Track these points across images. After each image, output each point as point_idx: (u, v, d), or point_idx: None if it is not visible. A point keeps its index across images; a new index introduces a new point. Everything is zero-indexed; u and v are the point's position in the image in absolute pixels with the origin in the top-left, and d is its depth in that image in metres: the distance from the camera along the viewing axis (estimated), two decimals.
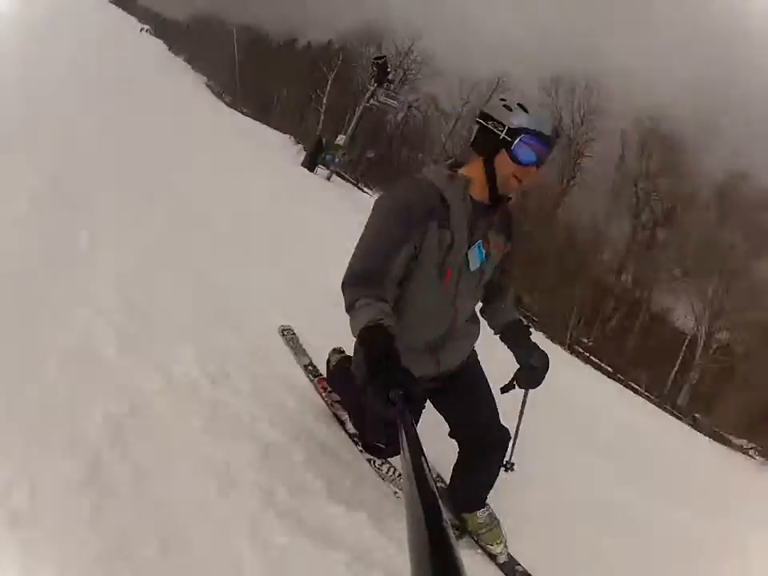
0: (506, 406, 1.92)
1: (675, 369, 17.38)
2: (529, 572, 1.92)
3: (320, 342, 2.63)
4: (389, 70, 14.55)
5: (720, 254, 17.39)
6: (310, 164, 13.07)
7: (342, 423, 2.25)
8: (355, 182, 16.37)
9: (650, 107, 19.26)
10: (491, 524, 1.96)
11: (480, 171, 1.69)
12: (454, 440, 1.96)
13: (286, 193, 8.31)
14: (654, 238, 19.47)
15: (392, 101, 14.50)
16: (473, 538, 1.97)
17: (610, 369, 14.84)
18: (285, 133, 17.00)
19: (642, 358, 17.11)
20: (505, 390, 1.91)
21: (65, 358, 1.70)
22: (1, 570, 1.07)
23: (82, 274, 2.33)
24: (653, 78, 19.48)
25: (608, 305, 19.21)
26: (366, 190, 16.25)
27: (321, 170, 13.54)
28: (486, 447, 1.91)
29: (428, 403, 1.95)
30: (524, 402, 1.98)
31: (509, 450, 1.93)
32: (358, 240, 1.68)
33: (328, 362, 2.44)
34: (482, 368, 2.03)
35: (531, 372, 1.87)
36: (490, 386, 1.98)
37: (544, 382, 1.92)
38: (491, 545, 1.95)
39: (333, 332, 2.40)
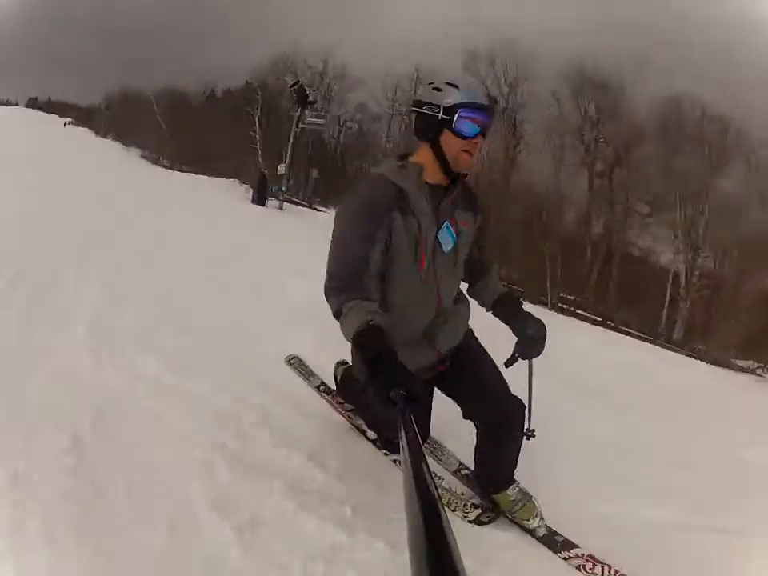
0: (510, 377, 1.99)
1: (666, 305, 17.39)
2: (571, 540, 1.92)
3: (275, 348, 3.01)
4: (307, 92, 15.21)
5: (679, 180, 17.53)
6: (260, 199, 13.72)
7: (363, 432, 2.34)
8: (308, 204, 16.90)
9: (576, 58, 19.49)
10: (523, 499, 1.97)
11: (429, 155, 1.77)
12: (469, 422, 2.00)
13: (242, 228, 8.97)
14: (612, 183, 19.53)
15: (319, 120, 15.18)
16: (507, 516, 1.99)
17: (597, 318, 14.96)
18: (229, 178, 17.37)
19: (631, 301, 17.18)
20: (508, 364, 1.97)
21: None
22: None
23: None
24: (571, 31, 20.10)
25: (584, 258, 19.22)
26: (320, 208, 16.76)
27: (272, 202, 14.11)
28: (502, 420, 1.92)
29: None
30: (530, 372, 2.03)
31: (526, 419, 1.97)
32: (329, 249, 1.76)
33: (335, 375, 2.53)
34: (480, 343, 2.08)
35: (530, 342, 1.93)
36: (493, 359, 2.04)
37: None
38: (527, 520, 1.95)
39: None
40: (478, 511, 1.98)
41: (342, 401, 2.49)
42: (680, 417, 3.97)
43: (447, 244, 1.82)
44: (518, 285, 15.46)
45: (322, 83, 22.81)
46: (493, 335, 2.06)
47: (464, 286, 2.09)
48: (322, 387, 2.64)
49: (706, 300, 16.95)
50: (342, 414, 2.45)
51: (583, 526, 2.00)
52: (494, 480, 2.02)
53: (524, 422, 1.94)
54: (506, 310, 2.01)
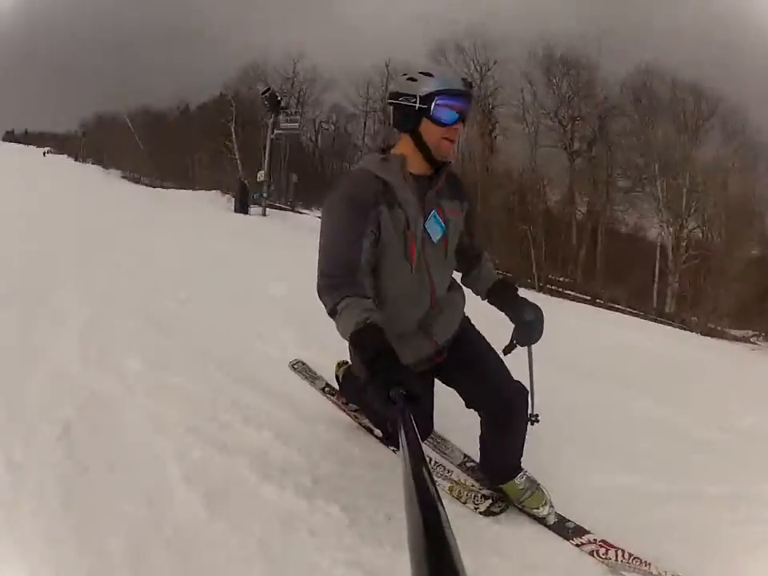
0: (509, 364, 1.98)
1: (656, 279, 17.26)
2: (582, 526, 1.89)
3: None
4: (279, 99, 15.39)
5: (657, 151, 17.50)
6: (242, 207, 13.91)
7: (371, 431, 2.35)
8: (290, 208, 17.05)
9: (544, 39, 19.40)
10: (531, 487, 1.94)
11: (410, 146, 1.77)
12: (471, 414, 1.98)
13: (226, 237, 9.14)
14: (592, 160, 19.42)
15: (293, 124, 15.34)
16: (517, 506, 1.96)
17: (586, 297, 14.90)
18: (210, 190, 17.46)
19: (620, 278, 16.88)
20: (507, 351, 1.98)
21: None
22: None
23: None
24: (537, 10, 20.17)
25: (569, 239, 19.22)
26: (302, 211, 16.89)
27: (255, 209, 14.27)
28: (504, 407, 1.89)
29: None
30: (530, 358, 2.01)
31: (529, 409, 1.94)
32: (319, 248, 1.75)
33: (336, 377, 2.55)
34: (478, 330, 2.06)
35: (527, 327, 1.92)
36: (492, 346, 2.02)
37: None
38: (536, 508, 1.92)
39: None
40: (489, 502, 1.96)
41: (346, 401, 2.50)
42: (674, 392, 3.89)
43: (436, 234, 1.82)
44: (503, 270, 15.50)
45: (294, 87, 22.90)
46: (489, 324, 2.06)
47: (458, 276, 2.09)
48: (327, 389, 2.66)
49: (695, 271, 16.74)
50: (349, 414, 2.47)
51: (593, 508, 1.99)
52: (500, 469, 2.00)
53: (527, 407, 1.92)
54: (501, 297, 2.00)
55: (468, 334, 2.02)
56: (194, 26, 25.73)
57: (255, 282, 5.06)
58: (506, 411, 1.89)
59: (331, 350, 2.74)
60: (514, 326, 1.94)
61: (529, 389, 1.95)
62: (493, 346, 2.02)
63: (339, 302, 1.59)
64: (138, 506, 1.72)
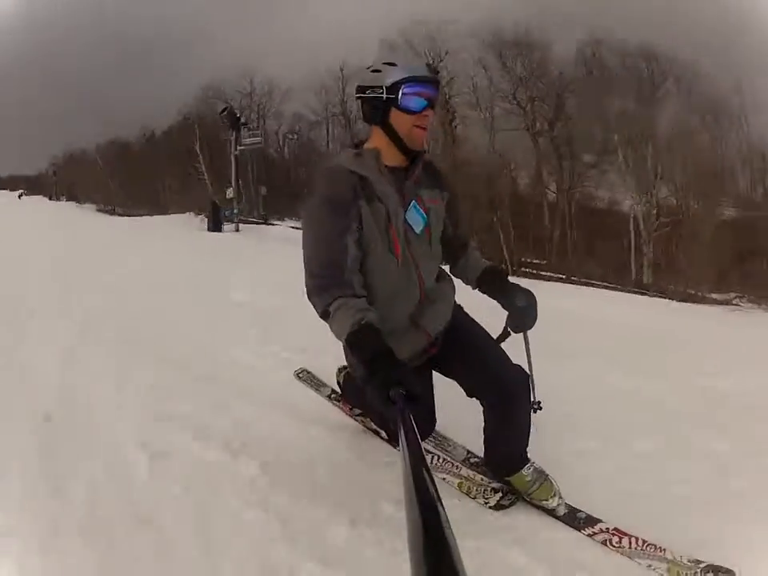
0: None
1: (633, 251, 17.14)
2: (593, 515, 1.83)
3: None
4: (238, 115, 15.78)
5: (617, 122, 17.53)
6: (215, 226, 14.19)
7: (378, 433, 2.32)
8: (263, 221, 17.39)
9: (490, 23, 19.48)
10: (539, 478, 1.87)
11: (383, 138, 1.74)
12: (472, 410, 1.92)
13: (201, 255, 9.50)
14: (554, 139, 19.47)
15: (255, 139, 15.74)
16: (525, 499, 1.90)
17: (561, 276, 14.90)
18: (183, 212, 17.67)
19: (597, 253, 16.96)
20: (500, 339, 1.94)
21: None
22: None
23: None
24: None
25: (542, 220, 19.33)
26: (275, 223, 17.22)
27: (229, 226, 14.65)
28: (506, 391, 1.83)
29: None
30: (527, 345, 1.94)
31: (531, 395, 1.88)
32: (303, 251, 1.73)
33: (338, 382, 2.52)
34: (471, 317, 2.02)
35: (521, 313, 1.87)
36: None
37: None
38: (545, 500, 1.85)
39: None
40: (499, 495, 1.91)
41: (351, 405, 2.47)
42: (664, 363, 3.87)
43: (418, 224, 1.79)
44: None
45: (253, 102, 23.00)
46: (484, 313, 2.01)
47: (446, 268, 2.08)
48: (333, 395, 2.65)
49: (667, 238, 16.69)
50: (355, 419, 2.45)
51: (603, 495, 1.95)
52: (506, 460, 1.92)
53: (529, 392, 1.86)
54: (492, 284, 1.96)
55: (461, 322, 1.98)
56: (147, 52, 25.91)
57: (223, 291, 5.46)
58: (507, 397, 1.83)
59: (287, 344, 3.48)
60: (506, 313, 1.92)
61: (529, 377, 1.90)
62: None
63: (331, 304, 1.59)
64: (96, 465, 2.07)
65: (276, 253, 9.80)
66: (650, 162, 17.13)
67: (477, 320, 2.01)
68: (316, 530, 1.74)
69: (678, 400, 3.07)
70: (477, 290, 2.02)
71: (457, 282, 2.02)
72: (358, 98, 1.74)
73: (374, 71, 1.69)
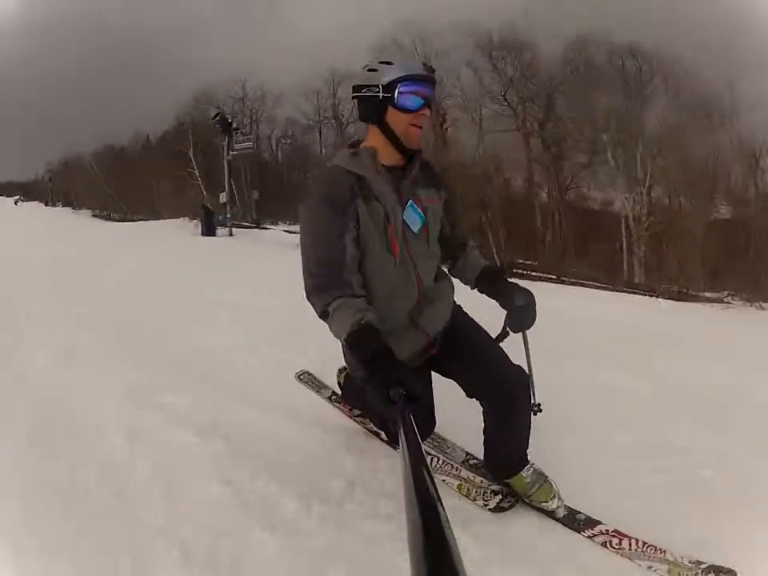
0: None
1: (624, 250, 17.12)
2: (592, 517, 1.81)
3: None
4: (230, 121, 15.93)
5: (604, 119, 17.54)
6: (209, 230, 14.28)
7: (378, 435, 2.31)
8: (255, 225, 17.54)
9: (482, 24, 19.46)
10: (539, 480, 1.85)
11: (379, 137, 1.73)
12: (470, 412, 1.91)
13: (195, 257, 9.77)
14: (545, 140, 19.53)
15: (247, 144, 15.93)
16: (525, 501, 1.89)
17: (552, 276, 14.29)
18: (178, 217, 17.84)
19: (590, 253, 16.88)
20: (499, 339, 1.91)
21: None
22: None
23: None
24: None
25: (533, 220, 19.33)
26: (268, 226, 17.34)
27: (221, 231, 14.83)
28: (506, 392, 1.81)
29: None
30: (526, 345, 1.92)
31: (531, 396, 1.86)
32: (301, 251, 1.73)
33: (338, 384, 2.51)
34: (470, 317, 2.00)
35: (519, 313, 1.85)
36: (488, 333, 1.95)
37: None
38: (545, 502, 1.84)
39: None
40: (499, 497, 1.91)
41: (350, 406, 2.48)
42: (650, 361, 3.88)
43: (415, 223, 1.78)
44: None
45: (246, 107, 23.28)
46: (482, 314, 2.00)
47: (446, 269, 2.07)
48: (333, 397, 2.65)
49: (658, 237, 16.50)
50: (356, 421, 2.45)
51: (603, 496, 1.94)
52: (506, 462, 1.91)
53: (529, 393, 1.85)
54: (490, 283, 1.95)
55: (461, 322, 1.96)
56: (142, 58, 26.18)
57: (215, 292, 5.72)
58: (507, 398, 1.82)
59: (262, 333, 3.79)
60: (505, 313, 1.90)
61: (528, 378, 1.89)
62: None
63: (330, 303, 1.59)
64: (78, 443, 2.33)
65: (266, 256, 10.13)
66: (639, 161, 17.08)
67: (476, 320, 2.00)
68: (270, 503, 1.88)
69: (671, 396, 3.07)
70: (476, 290, 2.01)
71: (456, 282, 2.01)
72: (355, 96, 1.73)
73: (370, 70, 1.69)
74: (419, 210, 1.79)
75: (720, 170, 17.63)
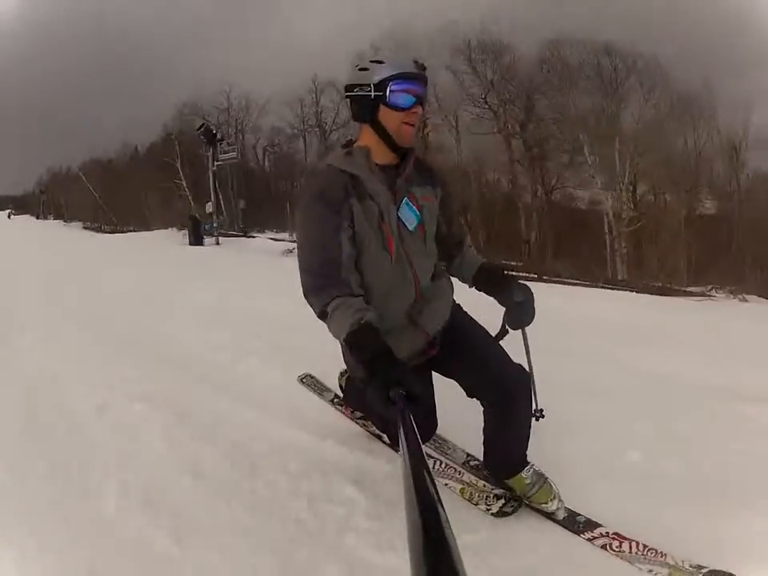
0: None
1: (608, 248, 17.14)
2: (592, 519, 1.79)
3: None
4: (214, 132, 16.15)
5: (581, 118, 17.73)
6: (196, 240, 14.43)
7: (380, 437, 2.30)
8: (242, 233, 17.63)
9: (457, 29, 19.71)
10: (539, 481, 1.83)
11: (372, 136, 1.72)
12: (471, 412, 1.89)
13: (182, 265, 10.03)
14: (526, 141, 19.67)
15: (231, 154, 16.19)
16: (525, 502, 1.86)
17: (534, 275, 14.88)
18: (166, 228, 18.05)
19: (577, 251, 16.84)
20: (498, 337, 1.88)
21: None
22: None
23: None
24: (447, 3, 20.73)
25: (516, 221, 19.43)
26: (254, 235, 17.42)
27: (209, 240, 15.05)
28: (505, 389, 1.79)
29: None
30: (526, 344, 1.89)
31: (533, 399, 1.84)
32: (298, 251, 1.73)
33: (340, 386, 2.51)
34: (470, 316, 1.97)
35: (518, 308, 1.82)
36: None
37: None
38: (545, 503, 1.81)
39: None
40: (501, 502, 1.88)
41: (352, 409, 2.47)
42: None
43: (411, 221, 1.76)
44: None
45: (231, 117, 23.58)
46: (481, 312, 1.97)
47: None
48: (335, 400, 2.65)
49: (639, 233, 16.62)
50: (358, 423, 2.44)
51: (604, 498, 1.91)
52: (506, 462, 1.89)
53: (530, 392, 1.83)
54: (488, 280, 1.93)
55: (460, 321, 1.94)
56: (128, 69, 26.36)
57: (191, 294, 6.04)
58: (508, 397, 1.79)
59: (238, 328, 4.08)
60: (504, 309, 1.88)
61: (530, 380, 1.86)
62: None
63: (329, 303, 1.58)
64: (63, 418, 2.69)
65: (252, 264, 10.35)
66: (617, 159, 17.15)
67: (476, 319, 1.97)
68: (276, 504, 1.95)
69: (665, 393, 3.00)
70: (474, 288, 1.98)
71: (454, 280, 1.99)
72: (347, 96, 1.72)
73: (361, 69, 1.68)
74: (415, 208, 1.78)
75: (702, 166, 17.78)
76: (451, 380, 1.92)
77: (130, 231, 20.47)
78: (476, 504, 1.91)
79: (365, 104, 1.68)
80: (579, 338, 4.26)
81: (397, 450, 2.05)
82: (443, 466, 2.08)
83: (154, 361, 3.51)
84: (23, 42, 25.57)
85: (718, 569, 1.55)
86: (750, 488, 1.99)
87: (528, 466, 1.86)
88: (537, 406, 1.84)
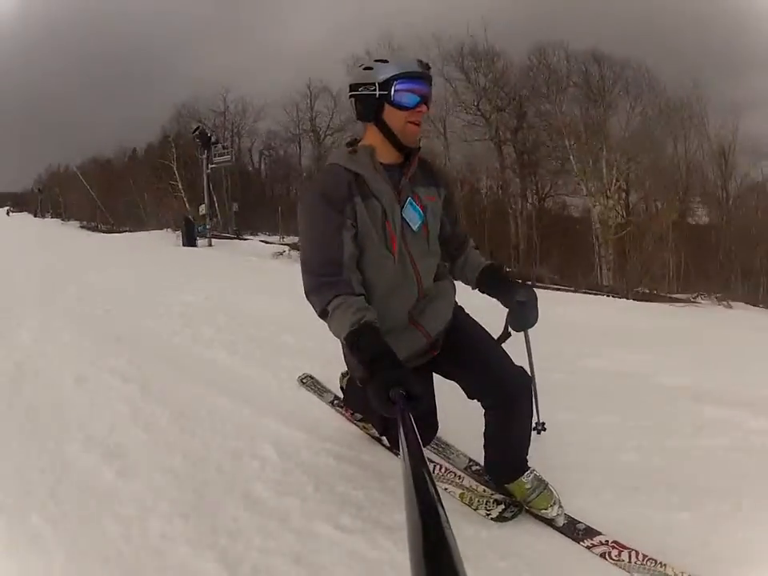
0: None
1: (597, 254, 17.46)
2: (592, 527, 1.75)
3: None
4: (209, 135, 16.29)
5: (566, 125, 18.09)
6: (189, 241, 14.45)
7: (379, 440, 2.26)
8: (235, 236, 17.75)
9: (453, 36, 20.14)
10: (539, 486, 1.79)
11: (377, 135, 1.68)
12: (472, 417, 1.85)
13: (174, 265, 10.07)
14: (517, 147, 19.99)
15: (225, 157, 16.34)
16: (525, 507, 1.83)
17: (518, 281, 14.65)
18: (161, 228, 18.13)
19: (566, 257, 17.39)
20: (501, 340, 1.85)
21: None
22: None
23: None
24: (438, 9, 20.80)
25: (506, 227, 19.72)
26: (247, 237, 17.44)
27: (202, 241, 15.19)
28: (506, 392, 1.75)
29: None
30: (528, 347, 1.87)
31: (534, 408, 1.82)
32: (300, 249, 1.72)
33: (341, 387, 2.46)
34: (473, 319, 1.93)
35: (521, 310, 1.79)
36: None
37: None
38: (545, 509, 1.77)
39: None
40: (501, 507, 1.85)
41: (352, 410, 2.44)
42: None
43: (414, 221, 1.73)
44: None
45: (227, 120, 23.88)
46: (483, 315, 1.94)
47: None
48: (335, 401, 2.62)
49: (626, 240, 16.69)
50: (357, 425, 2.41)
51: (604, 506, 1.87)
52: (506, 467, 1.85)
53: (531, 395, 1.80)
54: (491, 281, 1.89)
55: (462, 323, 1.90)
56: (128, 71, 26.53)
57: (179, 293, 5.93)
58: (509, 400, 1.76)
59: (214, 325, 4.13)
60: (507, 311, 1.84)
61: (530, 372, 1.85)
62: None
63: (330, 302, 1.55)
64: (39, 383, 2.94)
65: (241, 265, 10.44)
66: (604, 166, 17.43)
67: (478, 322, 1.94)
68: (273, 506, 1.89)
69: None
70: (477, 290, 1.95)
71: (458, 285, 1.96)
72: (351, 95, 1.69)
73: (365, 69, 1.66)
74: (418, 207, 1.75)
75: (692, 173, 18.08)
76: (453, 383, 1.88)
77: (126, 231, 20.59)
78: (476, 509, 1.88)
79: (369, 103, 1.65)
80: (554, 340, 4.26)
81: (396, 453, 2.08)
82: (443, 470, 2.05)
83: (139, 351, 3.61)
84: (23, 42, 25.73)
85: None
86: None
87: (528, 471, 1.82)
88: (539, 418, 1.84)
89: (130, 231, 20.25)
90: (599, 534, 1.72)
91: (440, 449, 2.20)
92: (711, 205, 17.86)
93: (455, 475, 2.03)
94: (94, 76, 27.44)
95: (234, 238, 16.96)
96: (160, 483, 1.99)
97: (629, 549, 1.66)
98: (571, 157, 18.04)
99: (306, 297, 1.64)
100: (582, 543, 1.71)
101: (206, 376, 3.07)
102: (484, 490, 1.93)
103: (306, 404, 2.67)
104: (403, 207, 1.70)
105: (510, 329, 1.84)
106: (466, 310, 1.96)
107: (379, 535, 1.70)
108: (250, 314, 4.82)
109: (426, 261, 1.79)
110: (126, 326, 4.40)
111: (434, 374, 1.91)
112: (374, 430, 2.22)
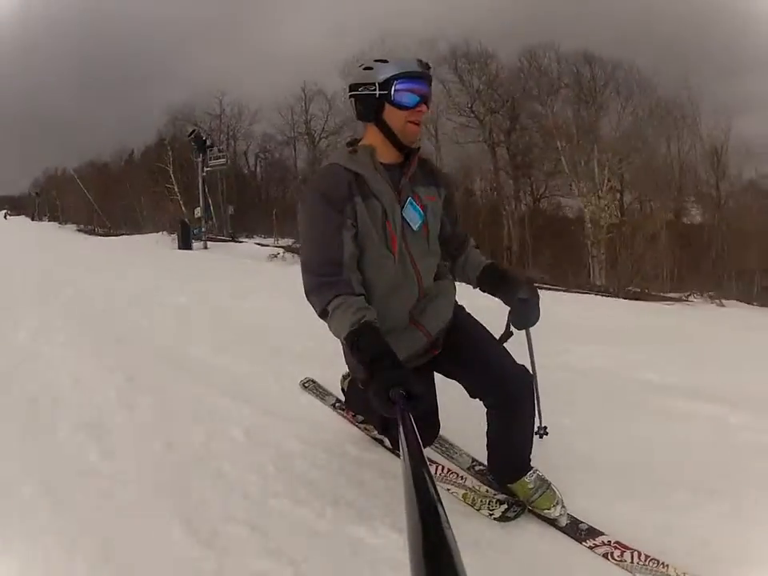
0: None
1: (590, 255, 17.43)
2: (595, 527, 1.73)
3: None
4: (204, 138, 16.25)
5: (558, 126, 18.12)
6: (185, 244, 14.44)
7: (381, 442, 2.24)
8: (231, 238, 17.72)
9: (448, 38, 20.28)
10: (542, 486, 1.78)
11: (377, 135, 1.68)
12: (475, 417, 1.84)
13: (168, 267, 10.03)
14: (511, 149, 19.97)
15: (220, 160, 16.31)
16: (528, 507, 1.81)
17: None
18: (157, 231, 17.97)
19: (561, 258, 17.24)
20: (503, 339, 1.82)
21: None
22: None
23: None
24: (436, 13, 20.84)
25: (500, 229, 19.69)
26: (242, 240, 17.44)
27: (197, 244, 15.16)
28: (508, 391, 1.73)
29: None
30: (530, 346, 1.83)
31: (536, 412, 1.80)
32: (300, 249, 1.71)
33: (342, 389, 2.44)
34: (474, 318, 1.92)
35: (523, 307, 1.76)
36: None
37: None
38: (547, 509, 1.76)
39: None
40: (504, 507, 1.83)
41: (353, 412, 2.42)
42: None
43: (415, 221, 1.72)
44: None
45: (222, 123, 23.84)
46: (484, 315, 1.93)
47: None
48: (337, 404, 2.61)
49: (617, 240, 16.28)
50: (359, 428, 2.39)
51: (607, 506, 1.85)
52: (509, 466, 1.84)
53: (533, 394, 1.78)
54: (492, 279, 1.87)
55: (462, 322, 1.89)
56: (126, 74, 26.50)
57: (172, 294, 5.98)
58: (511, 399, 1.74)
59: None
60: (509, 309, 1.81)
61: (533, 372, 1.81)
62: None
63: (330, 302, 1.54)
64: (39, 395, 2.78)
65: (238, 267, 10.45)
66: (596, 166, 17.45)
67: (479, 321, 1.92)
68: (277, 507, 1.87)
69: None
70: (478, 289, 1.94)
71: (461, 284, 1.95)
72: (351, 95, 1.68)
73: (365, 68, 1.65)
74: (419, 207, 1.74)
75: (685, 173, 18.10)
76: (455, 382, 1.87)
77: (123, 235, 20.52)
78: (479, 509, 1.86)
79: (369, 103, 1.64)
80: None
81: (398, 455, 1.96)
82: (445, 471, 2.03)
83: (136, 351, 3.63)
84: (23, 43, 25.66)
85: None
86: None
87: (531, 471, 1.81)
88: (541, 422, 1.81)
89: (127, 234, 20.18)
90: (602, 534, 1.71)
91: (443, 448, 2.19)
92: (704, 204, 17.90)
93: (458, 476, 2.01)
94: (91, 78, 27.28)
95: (230, 241, 16.93)
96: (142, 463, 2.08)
97: (631, 549, 1.64)
98: (562, 158, 18.03)
99: (306, 297, 1.62)
100: (584, 543, 1.70)
101: (203, 377, 3.07)
102: (487, 490, 1.91)
103: (310, 407, 2.66)
104: (403, 207, 1.69)
105: (512, 328, 1.81)
106: (470, 311, 1.95)
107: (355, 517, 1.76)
108: (245, 316, 4.86)
109: (427, 260, 1.77)
110: (123, 326, 4.39)
111: (435, 374, 1.89)
112: (375, 432, 2.22)
